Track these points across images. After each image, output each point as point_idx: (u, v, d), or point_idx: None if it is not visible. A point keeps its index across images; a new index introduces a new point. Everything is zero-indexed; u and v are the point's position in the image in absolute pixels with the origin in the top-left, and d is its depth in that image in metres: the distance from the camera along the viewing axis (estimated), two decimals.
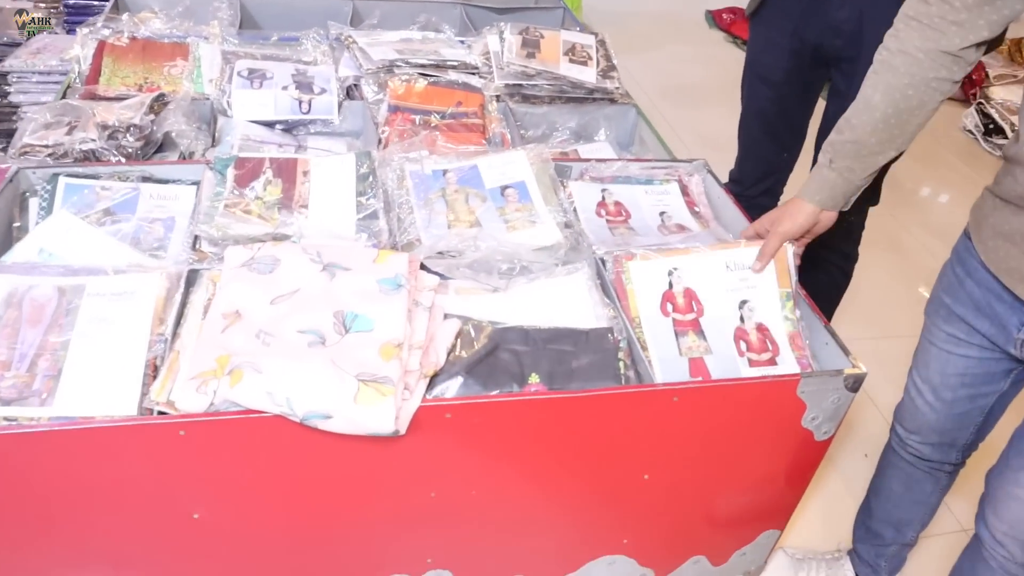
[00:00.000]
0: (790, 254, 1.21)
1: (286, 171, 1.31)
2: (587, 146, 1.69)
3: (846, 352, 1.11)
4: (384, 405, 0.91)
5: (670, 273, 1.19)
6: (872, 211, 1.71)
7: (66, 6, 2.12)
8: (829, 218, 1.21)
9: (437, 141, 1.48)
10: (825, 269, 1.74)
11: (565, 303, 1.13)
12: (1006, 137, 3.36)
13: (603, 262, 1.21)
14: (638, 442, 1.06)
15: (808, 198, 1.19)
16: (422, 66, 1.67)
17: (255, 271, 1.07)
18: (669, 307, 1.17)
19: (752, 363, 1.16)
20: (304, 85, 1.62)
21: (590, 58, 1.77)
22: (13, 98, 1.68)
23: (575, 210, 1.36)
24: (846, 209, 1.21)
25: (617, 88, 1.72)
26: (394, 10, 2.06)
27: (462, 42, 1.85)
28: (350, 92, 1.67)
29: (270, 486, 0.99)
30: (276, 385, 0.91)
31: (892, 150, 1.12)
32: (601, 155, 1.65)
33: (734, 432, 1.10)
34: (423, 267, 1.17)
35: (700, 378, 1.12)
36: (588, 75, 1.73)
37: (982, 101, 3.46)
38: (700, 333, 1.17)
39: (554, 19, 2.15)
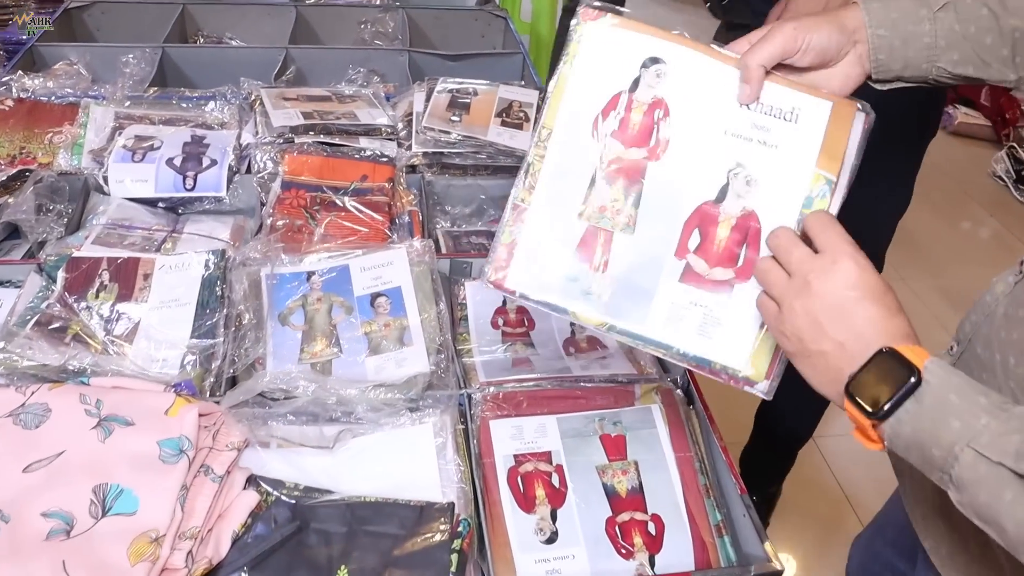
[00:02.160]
0: (858, 124, 0.71)
1: (124, 274, 1.13)
2: None
3: (762, 537, 0.87)
4: None
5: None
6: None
7: None
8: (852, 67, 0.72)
9: (322, 228, 1.28)
10: None
11: (409, 462, 0.91)
12: None
13: (469, 400, 0.99)
14: None
15: (864, 3, 0.72)
16: (328, 132, 1.47)
17: (20, 424, 0.88)
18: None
19: (689, 276, 0.72)
20: (193, 157, 1.44)
21: (527, 119, 1.55)
22: None
23: (468, 320, 1.15)
24: (881, 85, 0.76)
25: None
26: (333, 59, 1.87)
27: (390, 98, 1.65)
28: (251, 162, 1.48)
29: None
30: None
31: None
32: None
33: None
34: (262, 394, 0.97)
35: None
36: (521, 140, 1.50)
37: (1014, 144, 3.10)
38: None
39: (513, 67, 1.93)
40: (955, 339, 0.73)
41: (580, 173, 0.73)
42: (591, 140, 0.73)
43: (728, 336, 0.71)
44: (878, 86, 0.76)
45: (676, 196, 0.72)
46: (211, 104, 1.58)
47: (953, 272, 2.66)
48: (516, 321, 1.17)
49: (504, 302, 1.18)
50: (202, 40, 2.02)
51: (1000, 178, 3.15)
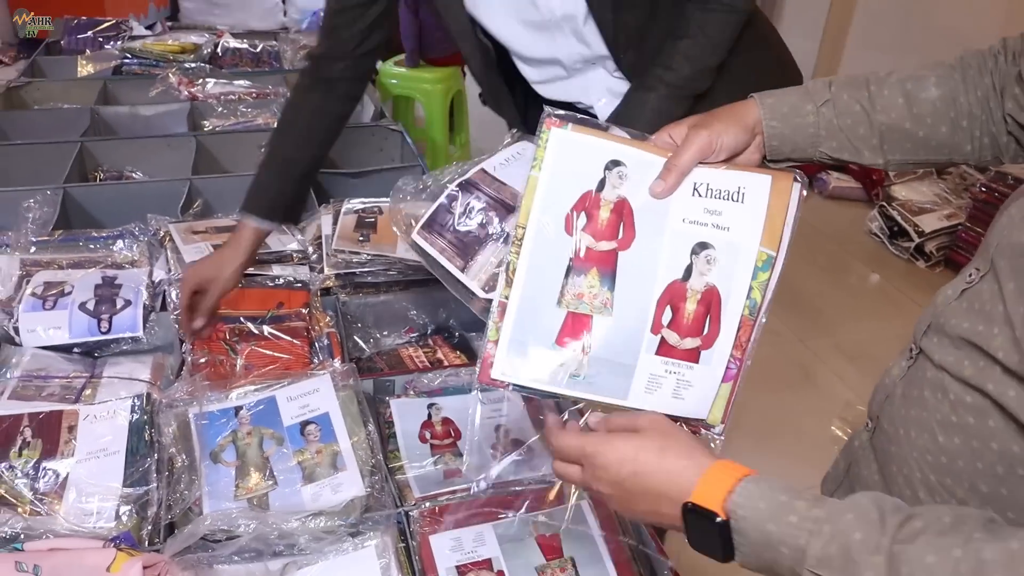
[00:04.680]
0: (795, 195, 0.80)
1: (47, 428, 1.13)
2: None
3: None
4: None
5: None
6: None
7: None
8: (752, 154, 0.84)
9: (243, 359, 1.31)
10: None
11: None
12: (911, 240, 3.26)
13: (407, 517, 1.03)
14: None
15: (760, 101, 0.84)
16: None
17: None
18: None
19: (664, 349, 0.78)
20: (106, 299, 1.45)
21: None
22: None
23: (396, 437, 1.19)
24: (774, 164, 0.87)
25: None
26: (238, 186, 1.91)
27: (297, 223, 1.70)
28: (166, 299, 1.50)
29: None
30: None
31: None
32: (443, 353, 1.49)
33: None
34: (203, 537, 0.98)
35: None
36: None
37: (884, 203, 3.40)
38: None
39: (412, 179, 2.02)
40: (868, 417, 0.83)
41: (556, 265, 0.79)
42: (564, 235, 0.79)
43: (696, 394, 0.79)
44: (771, 165, 0.88)
45: (647, 278, 0.79)
46: (119, 243, 1.60)
47: (847, 329, 2.87)
48: (443, 433, 1.22)
49: (429, 416, 1.24)
50: (102, 176, 2.04)
51: (875, 235, 3.43)
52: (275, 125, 1.44)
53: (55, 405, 1.16)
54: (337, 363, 1.23)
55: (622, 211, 0.79)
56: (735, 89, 0.96)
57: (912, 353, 0.76)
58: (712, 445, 0.79)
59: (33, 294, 1.45)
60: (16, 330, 1.38)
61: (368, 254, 1.55)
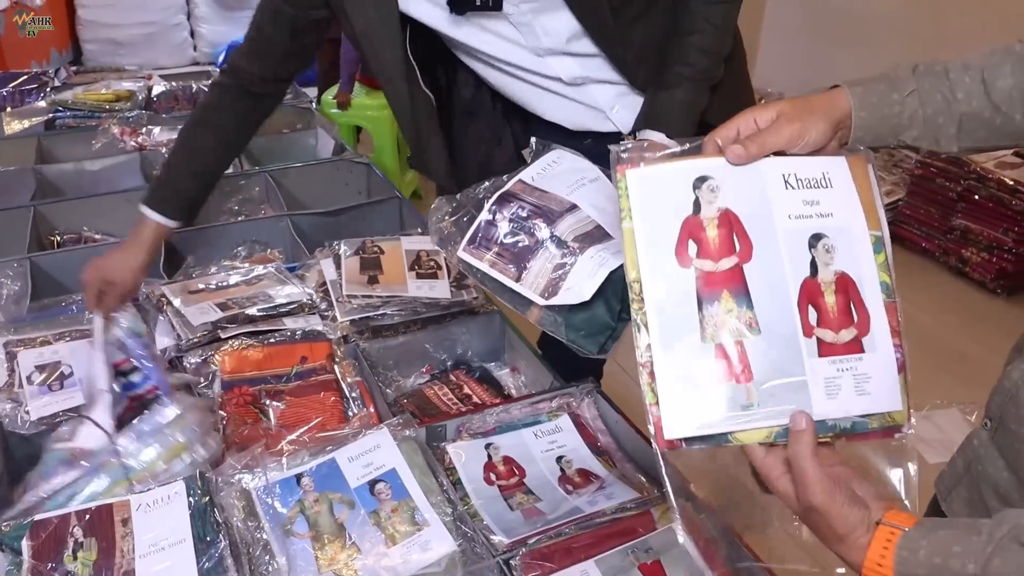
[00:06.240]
0: (872, 174, 0.81)
1: (100, 525, 1.06)
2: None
3: None
4: None
5: None
6: None
7: None
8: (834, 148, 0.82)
9: (275, 421, 1.26)
10: None
11: None
12: None
13: (508, 567, 1.01)
14: None
15: (851, 91, 0.82)
16: (252, 321, 1.45)
17: None
18: None
19: (825, 349, 0.75)
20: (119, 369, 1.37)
21: (439, 267, 1.61)
22: None
23: (462, 483, 1.17)
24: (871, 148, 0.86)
25: (475, 298, 1.56)
26: (214, 237, 1.84)
27: (293, 269, 1.65)
28: (173, 365, 1.42)
29: None
30: None
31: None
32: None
33: None
34: None
35: None
36: (441, 289, 1.56)
37: None
38: None
39: (390, 213, 1.99)
40: (986, 417, 0.86)
41: (686, 303, 0.75)
42: (682, 270, 0.75)
43: (879, 385, 0.75)
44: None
45: (780, 284, 0.75)
46: None
47: None
48: (507, 472, 1.20)
49: (489, 456, 1.22)
50: (59, 240, 1.92)
51: None
52: (189, 121, 1.39)
53: (101, 501, 1.09)
54: (396, 419, 1.19)
55: (730, 222, 0.77)
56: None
57: None
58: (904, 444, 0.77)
59: (29, 379, 1.36)
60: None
61: (381, 296, 1.51)
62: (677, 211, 0.77)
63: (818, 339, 0.75)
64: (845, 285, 0.77)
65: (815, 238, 0.77)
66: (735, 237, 0.76)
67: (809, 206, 0.78)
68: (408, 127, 1.37)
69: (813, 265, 0.77)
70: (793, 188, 0.78)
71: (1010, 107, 0.81)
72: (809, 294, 0.76)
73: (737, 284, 0.75)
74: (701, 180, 0.77)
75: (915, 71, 0.83)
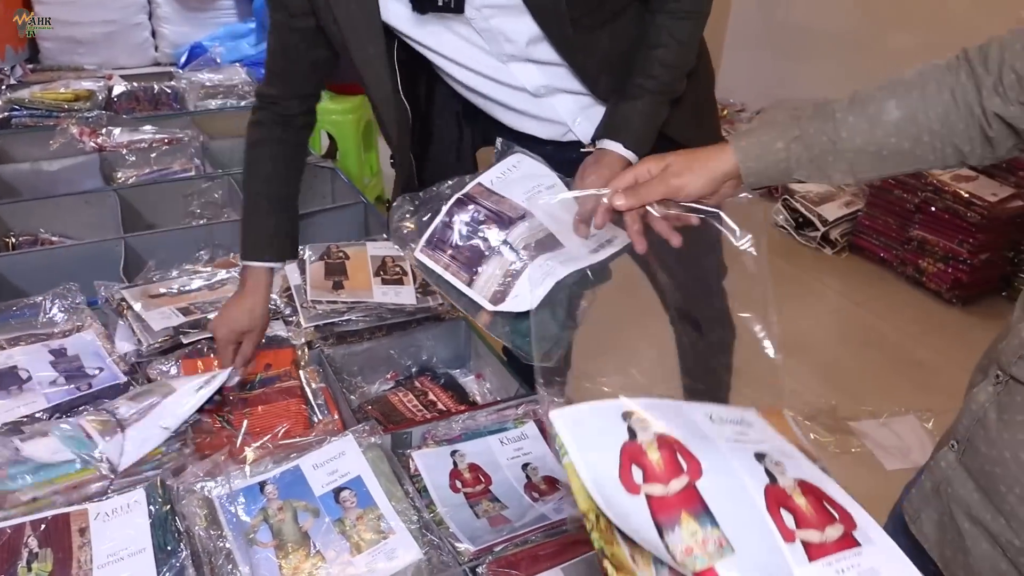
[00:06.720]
0: (796, 428, 0.79)
1: (56, 535, 1.03)
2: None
3: None
4: None
5: None
6: None
7: None
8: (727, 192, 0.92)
9: (243, 430, 1.25)
10: None
11: None
12: (817, 229, 3.42)
13: (474, 575, 1.01)
14: None
15: (735, 145, 0.90)
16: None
17: None
18: None
19: (815, 551, 0.67)
20: (72, 374, 1.34)
21: (405, 273, 1.60)
22: None
23: (428, 491, 1.16)
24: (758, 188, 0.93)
25: (441, 304, 1.56)
26: (175, 240, 1.81)
27: None
28: (134, 370, 1.40)
29: None
30: None
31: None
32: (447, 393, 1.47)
33: None
34: None
35: None
36: (406, 295, 1.56)
37: (786, 196, 3.59)
38: None
39: (355, 217, 1.98)
40: (953, 439, 0.88)
41: (645, 532, 0.66)
42: (633, 498, 0.67)
43: (898, 574, 0.68)
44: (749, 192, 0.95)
45: (741, 494, 0.68)
46: (54, 310, 1.48)
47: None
48: (473, 480, 1.20)
49: (455, 464, 1.21)
50: (15, 242, 1.88)
51: (783, 227, 3.61)
52: (244, 172, 1.38)
53: (58, 510, 1.07)
54: (361, 425, 1.19)
55: (670, 444, 0.69)
56: None
57: (1000, 379, 0.81)
58: None
59: None
60: None
61: (346, 302, 1.50)
62: (613, 440, 0.69)
63: (803, 542, 0.67)
64: (810, 488, 0.71)
65: (758, 456, 0.72)
66: (679, 457, 0.69)
67: (741, 435, 0.75)
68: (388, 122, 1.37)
69: (770, 474, 0.71)
70: (719, 423, 0.75)
71: (897, 139, 0.85)
72: (777, 499, 0.69)
73: (694, 504, 0.66)
74: (628, 415, 0.71)
75: (801, 117, 0.90)
